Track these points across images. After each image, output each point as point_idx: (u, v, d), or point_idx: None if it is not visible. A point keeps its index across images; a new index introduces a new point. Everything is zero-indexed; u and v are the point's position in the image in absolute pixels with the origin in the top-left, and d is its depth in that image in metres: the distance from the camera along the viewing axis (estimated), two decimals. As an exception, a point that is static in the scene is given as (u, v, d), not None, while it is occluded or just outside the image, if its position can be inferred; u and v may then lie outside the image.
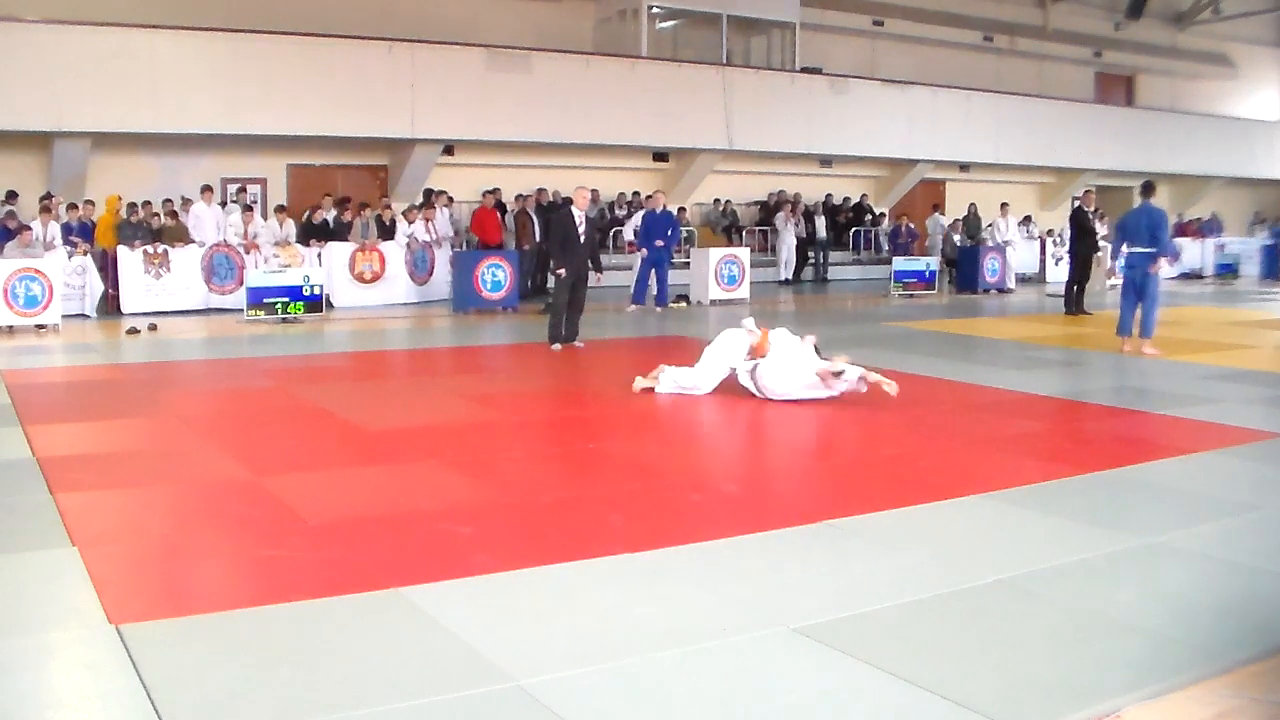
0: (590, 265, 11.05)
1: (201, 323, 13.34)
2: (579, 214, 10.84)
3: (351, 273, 15.26)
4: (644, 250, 15.09)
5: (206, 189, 15.31)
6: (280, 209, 15.74)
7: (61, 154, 15.30)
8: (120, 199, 14.87)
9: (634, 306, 14.86)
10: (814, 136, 21.04)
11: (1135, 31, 26.94)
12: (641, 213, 16.13)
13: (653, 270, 15.10)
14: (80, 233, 14.21)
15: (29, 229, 13.27)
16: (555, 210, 14.09)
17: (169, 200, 15.30)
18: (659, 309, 14.87)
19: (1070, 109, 24.50)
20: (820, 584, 3.96)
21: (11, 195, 14.75)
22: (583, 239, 10.84)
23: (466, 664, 3.22)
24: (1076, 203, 15.16)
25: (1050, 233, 22.36)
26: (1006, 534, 4.58)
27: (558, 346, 10.58)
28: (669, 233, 15.35)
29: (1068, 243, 15.45)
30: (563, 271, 10.71)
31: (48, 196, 14.48)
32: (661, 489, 5.39)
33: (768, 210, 21.38)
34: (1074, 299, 14.44)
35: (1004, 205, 21.31)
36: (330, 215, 15.74)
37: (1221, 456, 6.04)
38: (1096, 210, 15.73)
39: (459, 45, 17.55)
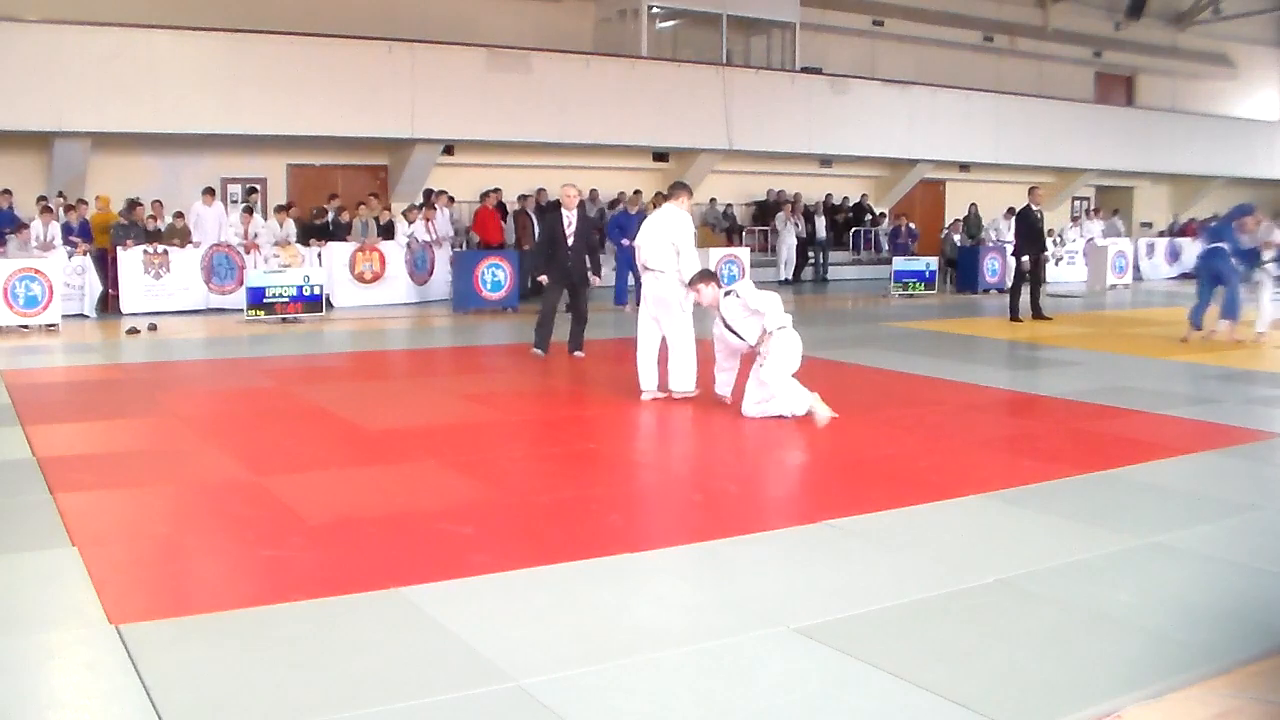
0: (589, 268, 10.40)
1: (201, 323, 13.34)
2: (569, 215, 10.11)
3: (351, 273, 15.26)
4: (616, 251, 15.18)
5: (208, 191, 15.31)
6: (280, 209, 15.73)
7: (61, 154, 15.29)
8: (108, 199, 14.92)
9: (627, 308, 14.90)
10: (814, 136, 21.03)
11: (1135, 31, 26.93)
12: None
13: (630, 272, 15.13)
14: (80, 233, 14.21)
15: (26, 227, 13.28)
16: (548, 212, 13.79)
17: (158, 202, 15.23)
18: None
19: (1070, 109, 24.49)
20: (820, 584, 3.96)
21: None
22: (572, 240, 10.05)
23: (466, 664, 3.22)
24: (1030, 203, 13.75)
25: (1050, 233, 22.33)
26: (1006, 534, 4.58)
27: (538, 352, 9.97)
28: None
29: (1013, 243, 14.27)
30: (544, 278, 10.11)
31: (46, 198, 14.48)
32: (661, 489, 5.39)
33: (765, 209, 21.37)
34: (1019, 303, 13.49)
35: (1010, 210, 21.29)
36: (330, 215, 15.74)
37: (1221, 456, 6.04)
38: (1096, 209, 15.46)
39: (459, 45, 17.54)
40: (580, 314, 10.23)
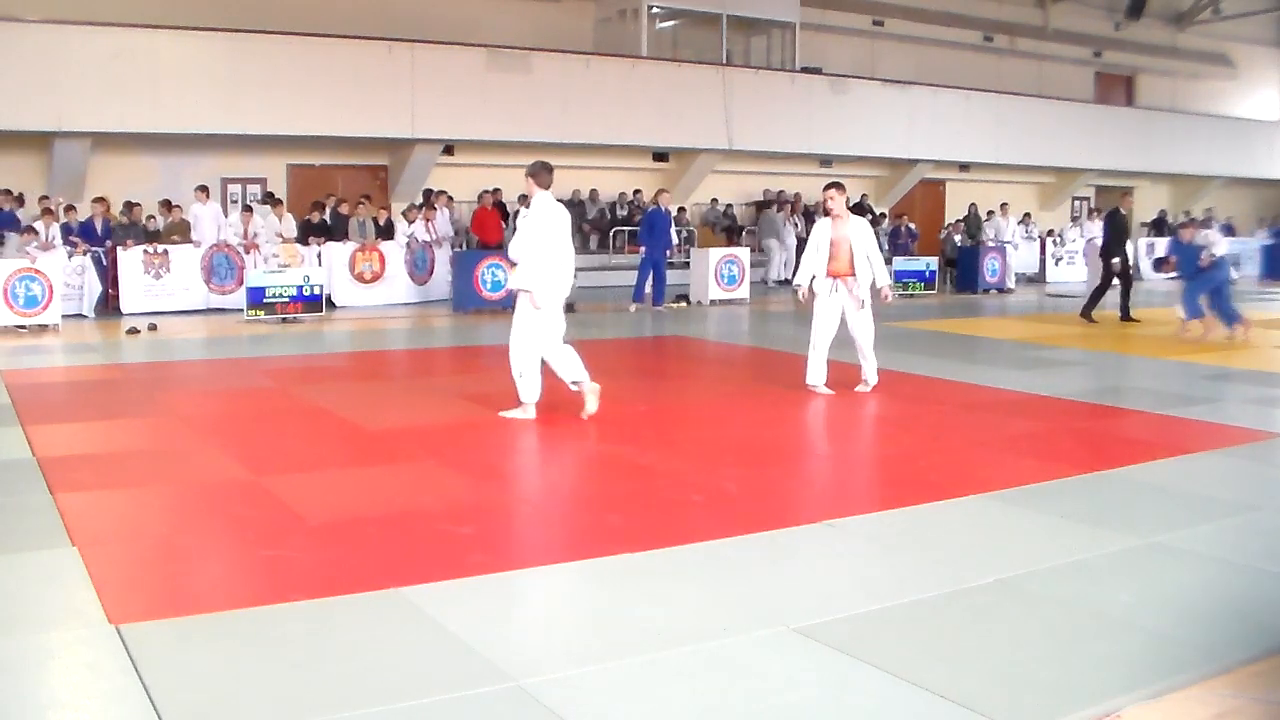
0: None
1: (201, 323, 13.33)
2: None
3: (351, 273, 15.26)
4: (643, 249, 15.05)
5: (201, 189, 15.27)
6: (279, 202, 15.73)
7: (61, 154, 15.29)
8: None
9: (634, 306, 14.86)
10: (814, 136, 21.03)
11: (1135, 31, 26.92)
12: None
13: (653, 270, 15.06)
14: (81, 233, 14.20)
15: (34, 229, 13.29)
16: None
17: (166, 202, 15.26)
18: (656, 308, 14.85)
19: (1070, 109, 24.49)
20: (820, 584, 3.96)
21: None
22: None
23: (466, 664, 3.22)
24: (1116, 204, 14.25)
25: (1051, 233, 22.36)
26: (1006, 534, 4.58)
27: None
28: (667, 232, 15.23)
29: (1101, 246, 14.07)
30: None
31: (49, 198, 14.49)
32: (661, 489, 5.39)
33: (762, 209, 21.35)
34: (1116, 304, 13.64)
35: (1003, 205, 21.33)
36: (327, 213, 15.75)
37: (1221, 456, 6.04)
38: (1098, 209, 15.38)
39: (459, 45, 17.54)
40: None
